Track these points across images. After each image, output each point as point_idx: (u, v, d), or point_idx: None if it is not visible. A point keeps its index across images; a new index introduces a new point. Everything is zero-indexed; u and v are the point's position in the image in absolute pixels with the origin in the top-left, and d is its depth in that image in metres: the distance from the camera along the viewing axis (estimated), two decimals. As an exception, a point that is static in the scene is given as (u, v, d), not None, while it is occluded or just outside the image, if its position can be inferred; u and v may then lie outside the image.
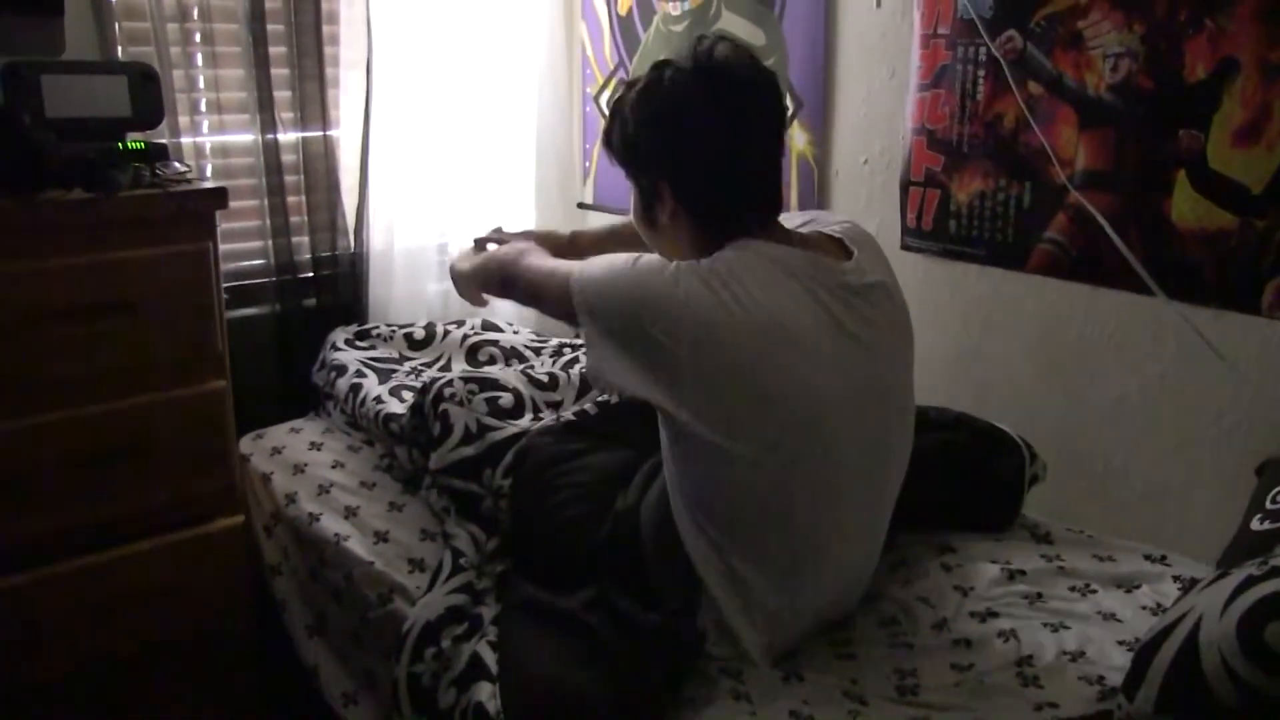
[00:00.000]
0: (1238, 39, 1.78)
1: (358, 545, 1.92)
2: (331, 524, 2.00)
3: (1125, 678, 1.18)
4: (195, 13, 2.43)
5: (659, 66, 1.48)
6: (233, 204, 2.06)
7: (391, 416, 2.13)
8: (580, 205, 3.15)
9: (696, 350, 1.35)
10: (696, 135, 1.44)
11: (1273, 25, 1.73)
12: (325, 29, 2.59)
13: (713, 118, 1.43)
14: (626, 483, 1.66)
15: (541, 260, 1.64)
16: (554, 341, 2.58)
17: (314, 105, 2.60)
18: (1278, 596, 1.06)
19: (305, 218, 2.66)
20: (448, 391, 1.95)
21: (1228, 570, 1.19)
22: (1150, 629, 1.20)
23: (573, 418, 1.91)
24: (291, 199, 2.61)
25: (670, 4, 2.75)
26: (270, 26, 2.49)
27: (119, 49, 2.33)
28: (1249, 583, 1.10)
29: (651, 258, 1.45)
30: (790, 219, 1.58)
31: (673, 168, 1.48)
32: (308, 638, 2.00)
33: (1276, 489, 1.64)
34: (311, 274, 2.68)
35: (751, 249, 1.41)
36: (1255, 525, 1.60)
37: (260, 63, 2.48)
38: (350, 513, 2.02)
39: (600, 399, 1.97)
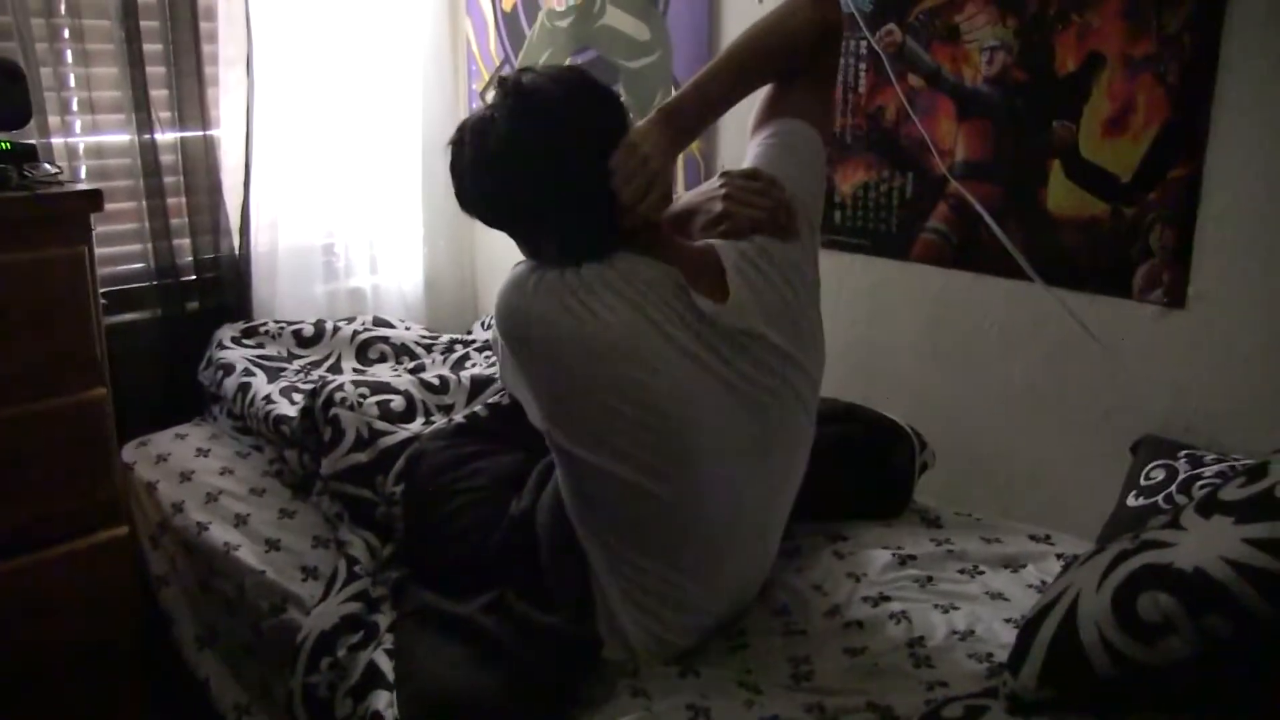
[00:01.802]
0: (1103, 34, 1.84)
1: (248, 554, 1.88)
2: (221, 533, 1.95)
3: (1010, 654, 1.22)
4: (62, 7, 2.33)
5: (459, 131, 1.42)
6: (110, 206, 1.99)
7: (282, 419, 2.09)
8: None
9: (550, 365, 1.36)
10: (513, 183, 1.37)
11: (1134, 22, 1.80)
12: (203, 25, 2.51)
13: (519, 159, 1.35)
14: (520, 485, 1.64)
15: None
16: (445, 338, 2.55)
17: (193, 104, 2.53)
18: (1148, 569, 1.10)
19: (186, 219, 2.58)
20: (338, 396, 1.92)
21: (1104, 546, 1.23)
22: (1033, 606, 1.24)
23: (463, 420, 1.89)
24: (171, 200, 2.53)
25: (555, 0, 2.74)
26: (144, 22, 2.41)
27: (-21, 46, 2.23)
28: (1122, 557, 1.14)
29: (521, 268, 1.41)
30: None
31: (514, 222, 1.44)
32: (198, 649, 1.96)
33: (1150, 465, 1.71)
34: (194, 276, 2.61)
35: (619, 264, 1.36)
36: (1131, 501, 1.67)
37: (134, 60, 2.40)
38: (240, 520, 1.97)
39: (490, 400, 1.95)
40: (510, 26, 2.90)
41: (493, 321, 1.44)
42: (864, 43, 2.15)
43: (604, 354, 1.33)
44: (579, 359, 1.34)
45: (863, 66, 2.17)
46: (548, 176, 1.35)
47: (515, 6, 2.86)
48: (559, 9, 2.73)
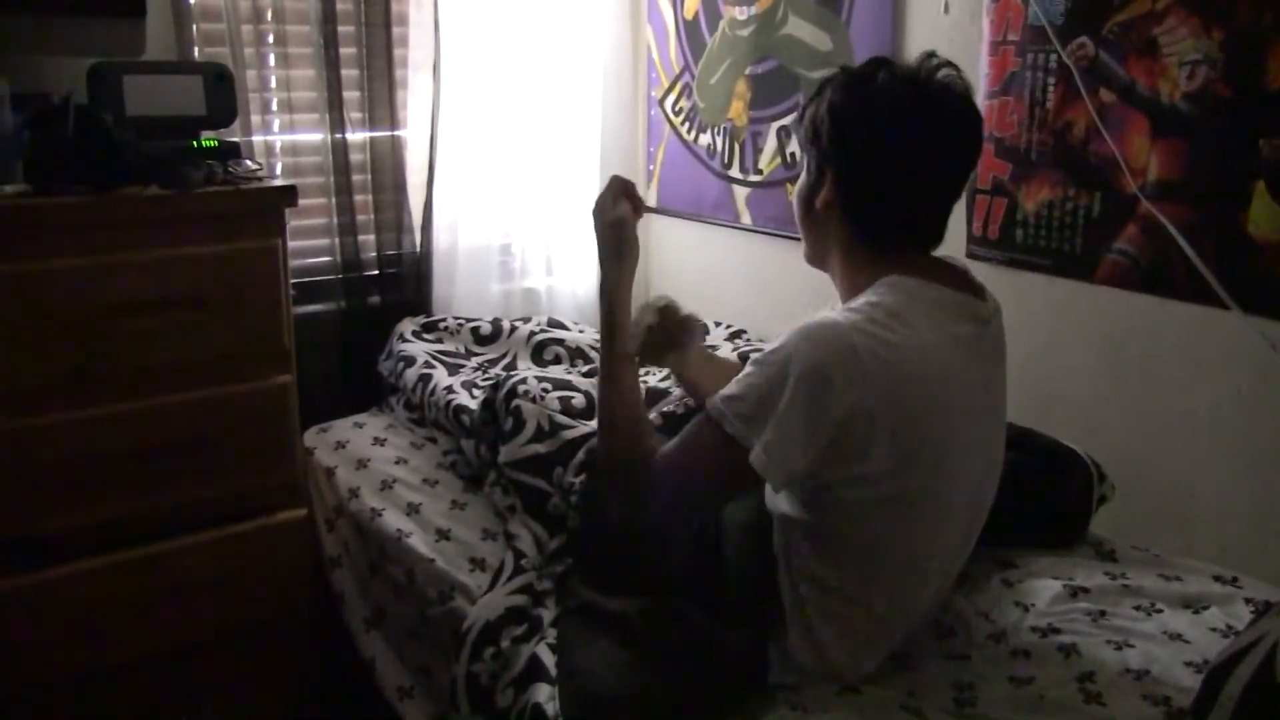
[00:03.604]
0: (1321, 48, 1.74)
1: (419, 542, 1.94)
2: (393, 520, 2.02)
3: (1195, 699, 1.16)
4: (269, 15, 2.47)
5: (875, 63, 1.42)
6: (301, 202, 2.09)
7: (462, 408, 2.15)
8: (647, 209, 3.14)
9: (883, 396, 1.29)
10: (893, 139, 1.37)
11: (1358, 35, 1.69)
12: (394, 31, 2.63)
13: (917, 131, 1.37)
14: None
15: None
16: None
17: (382, 105, 2.64)
18: (1357, 621, 1.03)
19: (372, 216, 2.70)
20: (521, 388, 1.97)
21: (1303, 593, 1.16)
22: (1222, 651, 1.17)
23: (654, 418, 1.91)
24: (358, 197, 2.65)
25: (736, 9, 2.74)
26: (340, 28, 2.53)
27: (195, 50, 2.39)
28: (1327, 606, 1.07)
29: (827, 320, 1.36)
30: None
31: (851, 161, 1.41)
32: (365, 631, 2.03)
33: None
34: (377, 271, 2.72)
35: (906, 290, 1.36)
36: (1330, 547, 1.56)
37: (330, 63, 2.52)
38: (412, 509, 2.04)
39: (665, 409, 1.96)
40: (691, 34, 2.92)
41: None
42: (1054, 56, 2.09)
43: (935, 376, 1.33)
44: (913, 375, 1.31)
45: (1051, 80, 2.10)
46: (936, 161, 1.40)
47: (697, 14, 2.88)
48: (740, 17, 2.74)
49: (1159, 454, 2.04)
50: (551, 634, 1.58)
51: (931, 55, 1.40)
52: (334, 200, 2.61)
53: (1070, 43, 2.06)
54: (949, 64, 1.39)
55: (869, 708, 1.37)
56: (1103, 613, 1.58)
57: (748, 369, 1.34)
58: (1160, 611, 1.60)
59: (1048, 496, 1.80)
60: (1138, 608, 1.60)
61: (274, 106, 2.56)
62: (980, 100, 2.22)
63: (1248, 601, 1.60)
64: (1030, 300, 2.20)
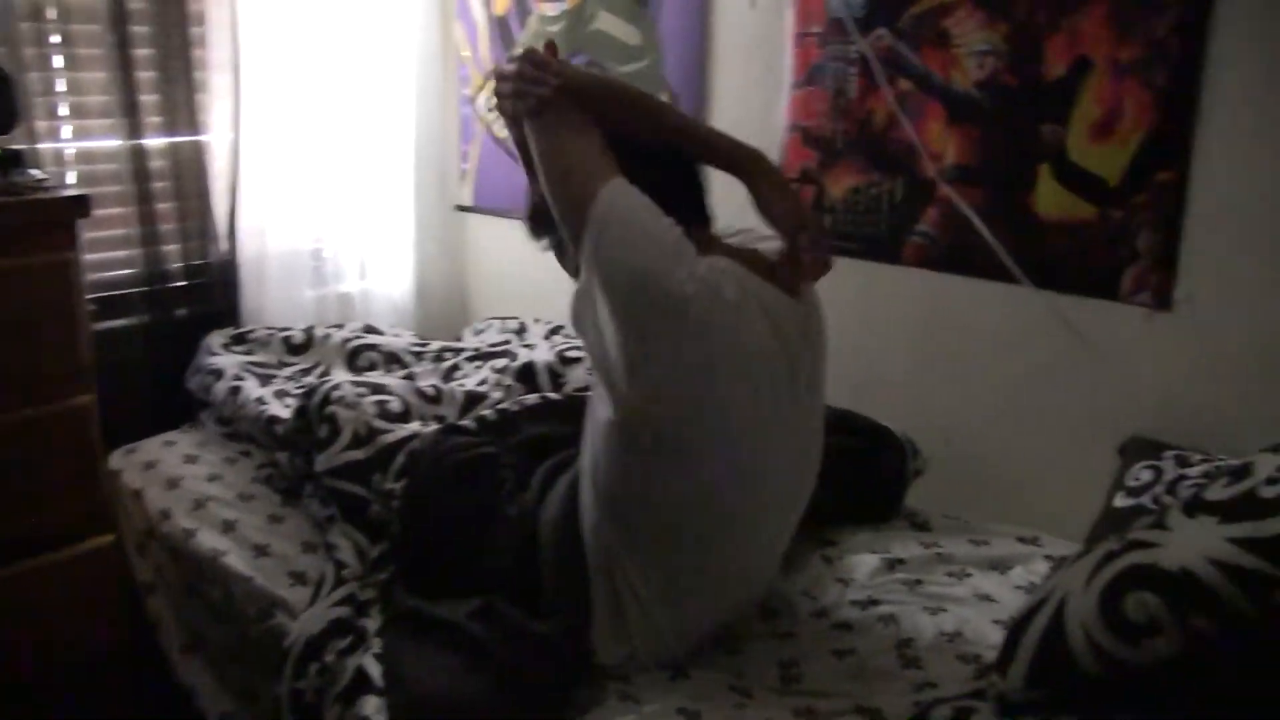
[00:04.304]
0: (1091, 39, 1.85)
1: (236, 560, 1.87)
2: (208, 539, 1.94)
3: (998, 655, 1.22)
4: (52, 12, 2.33)
5: None
6: (99, 212, 1.99)
7: (275, 419, 2.09)
8: (459, 207, 3.12)
9: (699, 332, 1.31)
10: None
11: (1121, 27, 1.81)
12: (193, 30, 2.52)
13: None
14: (522, 486, 1.64)
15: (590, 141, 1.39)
16: (435, 345, 2.55)
17: (182, 109, 2.53)
18: (1135, 569, 1.10)
19: (176, 225, 2.58)
20: (336, 394, 1.92)
21: (1091, 547, 1.23)
22: (1020, 607, 1.24)
23: (462, 424, 1.90)
24: (161, 205, 2.54)
25: (546, 4, 2.74)
26: (134, 28, 2.41)
27: (-36, 50, 2.23)
28: (1109, 558, 1.14)
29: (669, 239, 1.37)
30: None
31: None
32: (184, 657, 1.95)
33: (1137, 466, 1.71)
34: (183, 282, 2.61)
35: (730, 264, 1.38)
36: (1118, 502, 1.67)
37: (124, 65, 2.40)
38: (228, 527, 1.96)
39: (482, 414, 1.95)
40: (501, 31, 2.90)
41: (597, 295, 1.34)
42: (854, 47, 2.16)
43: (750, 351, 1.35)
44: (731, 336, 1.33)
45: (853, 71, 2.17)
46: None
47: (507, 11, 2.86)
48: (550, 13, 2.73)
49: (967, 424, 2.14)
50: (377, 644, 1.54)
51: None
52: (134, 209, 2.49)
53: (869, 34, 2.14)
54: None
55: (698, 691, 1.39)
56: (918, 581, 1.65)
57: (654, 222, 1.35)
58: (970, 576, 1.68)
59: (864, 475, 1.86)
60: (950, 574, 1.68)
61: (62, 111, 2.42)
62: (786, 91, 2.28)
63: (1047, 558, 1.70)
64: (843, 284, 2.23)
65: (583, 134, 1.38)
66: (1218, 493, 1.14)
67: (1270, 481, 1.10)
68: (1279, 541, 1.03)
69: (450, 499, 1.68)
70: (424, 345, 2.55)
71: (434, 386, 2.13)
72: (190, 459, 2.22)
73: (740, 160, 1.46)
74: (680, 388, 1.34)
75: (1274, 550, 1.03)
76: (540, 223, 1.52)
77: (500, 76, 1.43)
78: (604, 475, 1.43)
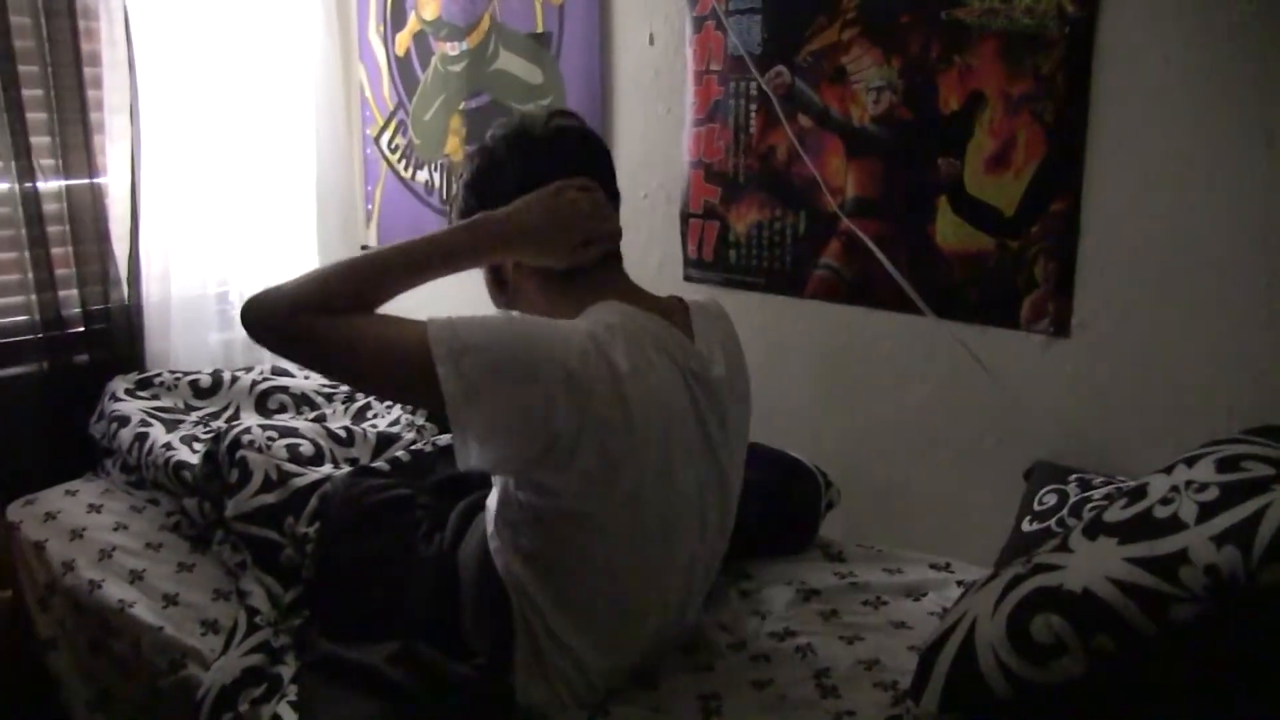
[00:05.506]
0: (983, 74, 1.90)
1: (144, 610, 1.80)
2: (115, 590, 1.87)
3: (912, 681, 1.23)
4: (-70, 53, 2.26)
5: (494, 134, 1.48)
6: (-11, 257, 1.92)
7: (183, 464, 2.03)
8: (364, 248, 3.09)
9: (584, 406, 1.27)
10: (524, 188, 1.39)
11: (1011, 63, 1.87)
12: (87, 71, 2.46)
13: (538, 176, 1.39)
14: (438, 526, 1.62)
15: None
16: (344, 387, 2.50)
17: (78, 151, 2.47)
18: (1040, 592, 1.12)
19: (74, 269, 2.51)
20: (245, 438, 1.88)
21: (999, 571, 1.25)
22: (933, 632, 1.25)
23: (374, 466, 1.87)
24: (57, 250, 2.47)
25: (448, 45, 2.74)
26: (23, 68, 2.35)
27: None
28: (1015, 581, 1.16)
29: (528, 316, 1.38)
30: None
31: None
32: (89, 714, 1.87)
33: (1042, 490, 1.75)
34: (83, 328, 2.54)
35: (620, 313, 1.36)
36: (1026, 526, 1.71)
37: (12, 106, 2.33)
38: (135, 576, 1.90)
39: (395, 456, 1.93)
40: (403, 71, 2.89)
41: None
42: (754, 84, 2.19)
43: (649, 402, 1.32)
44: (621, 400, 1.29)
45: (753, 108, 2.21)
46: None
47: (408, 51, 2.85)
48: (452, 53, 2.73)
49: (875, 454, 2.17)
50: (293, 691, 1.51)
51: (554, 114, 1.48)
52: (28, 254, 2.42)
53: (768, 71, 2.17)
54: (563, 113, 1.49)
55: (618, 729, 1.38)
56: (834, 611, 1.66)
57: (498, 318, 1.33)
58: (886, 604, 1.69)
59: (777, 507, 1.87)
60: (865, 602, 1.69)
61: (-54, 155, 2.34)
62: (688, 128, 2.31)
63: (959, 584, 1.72)
64: (747, 318, 2.29)
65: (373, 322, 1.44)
66: (1116, 514, 1.17)
67: (1164, 502, 1.14)
68: (1173, 560, 1.06)
69: (365, 542, 1.65)
70: (335, 387, 2.51)
71: (345, 429, 2.10)
72: (94, 508, 2.14)
73: (471, 236, 1.44)
74: (580, 483, 1.31)
75: (1169, 568, 1.06)
76: None
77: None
78: (510, 512, 1.41)
